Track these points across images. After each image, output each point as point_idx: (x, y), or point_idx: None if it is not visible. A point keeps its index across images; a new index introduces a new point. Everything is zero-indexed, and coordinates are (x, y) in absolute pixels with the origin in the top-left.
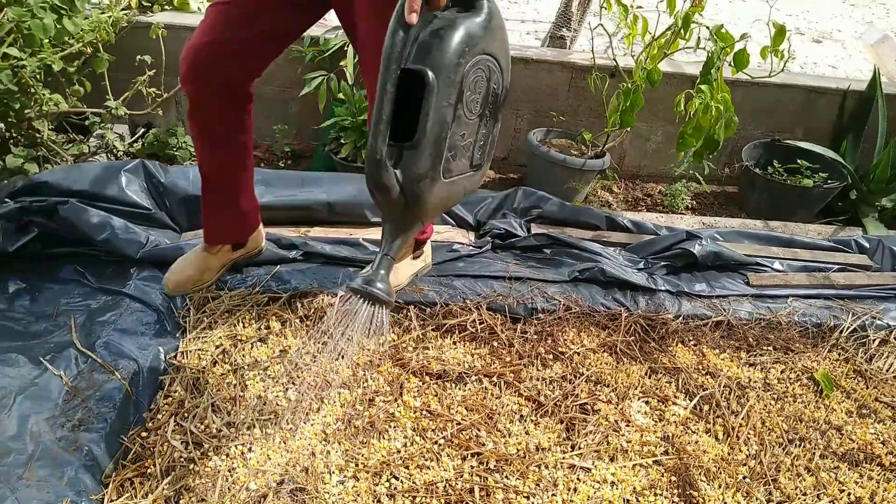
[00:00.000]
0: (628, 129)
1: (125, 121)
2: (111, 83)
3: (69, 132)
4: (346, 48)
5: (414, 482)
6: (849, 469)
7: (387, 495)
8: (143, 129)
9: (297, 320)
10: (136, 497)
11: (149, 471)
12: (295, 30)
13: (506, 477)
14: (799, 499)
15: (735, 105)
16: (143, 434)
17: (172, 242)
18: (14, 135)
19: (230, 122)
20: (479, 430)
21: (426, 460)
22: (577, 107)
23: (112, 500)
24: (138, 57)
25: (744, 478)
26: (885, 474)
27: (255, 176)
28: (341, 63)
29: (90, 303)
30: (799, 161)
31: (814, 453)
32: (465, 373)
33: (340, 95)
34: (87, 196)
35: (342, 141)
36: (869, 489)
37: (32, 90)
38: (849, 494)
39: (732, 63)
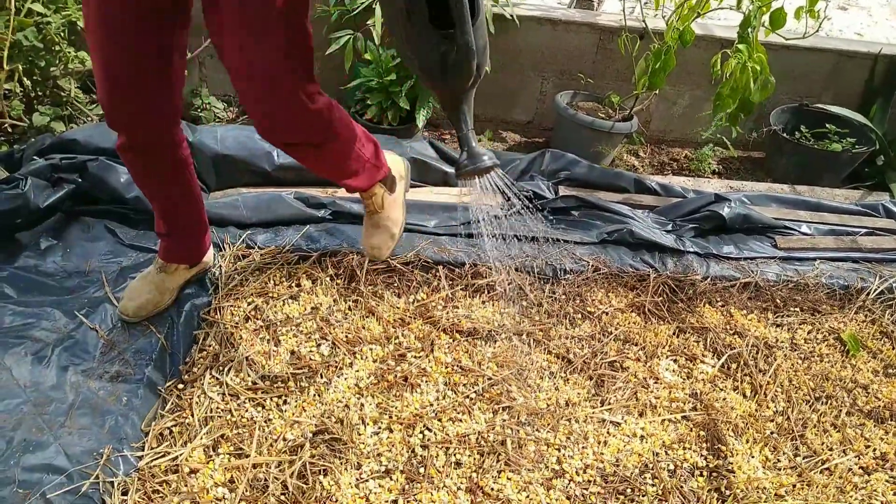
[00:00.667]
0: (656, 91)
1: None
2: None
3: (93, 91)
4: (373, 6)
5: (447, 434)
6: (874, 426)
7: (420, 446)
8: None
9: (328, 279)
10: (175, 445)
11: (187, 421)
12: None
13: (537, 430)
14: (825, 453)
15: None
16: (180, 386)
17: None
18: (39, 93)
19: (169, 157)
20: (509, 385)
21: (458, 413)
22: (604, 69)
23: (152, 448)
24: None
25: (771, 433)
26: None
27: None
28: (368, 22)
29: (121, 259)
30: (827, 126)
31: (840, 410)
32: (494, 331)
33: (367, 56)
34: (116, 154)
35: (368, 102)
36: (894, 445)
37: (57, 48)
38: (874, 450)
39: (768, 23)
